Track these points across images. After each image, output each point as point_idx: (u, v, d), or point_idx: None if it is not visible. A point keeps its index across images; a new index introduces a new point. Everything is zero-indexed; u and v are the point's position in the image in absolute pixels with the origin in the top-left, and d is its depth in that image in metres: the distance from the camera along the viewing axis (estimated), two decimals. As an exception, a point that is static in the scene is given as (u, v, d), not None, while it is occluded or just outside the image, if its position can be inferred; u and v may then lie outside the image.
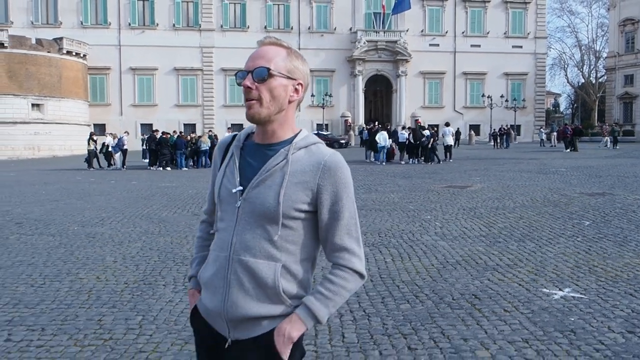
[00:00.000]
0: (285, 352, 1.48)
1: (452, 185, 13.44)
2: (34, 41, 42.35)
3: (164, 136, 23.53)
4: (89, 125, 46.08)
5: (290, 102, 1.55)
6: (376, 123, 25.98)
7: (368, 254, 6.27)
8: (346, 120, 49.36)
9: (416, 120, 46.58)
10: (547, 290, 4.78)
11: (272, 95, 1.51)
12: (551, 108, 74.34)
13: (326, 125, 47.65)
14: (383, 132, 22.97)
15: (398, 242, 6.94)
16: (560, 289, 4.81)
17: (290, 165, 1.50)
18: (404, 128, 25.66)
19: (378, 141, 21.98)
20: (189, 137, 24.89)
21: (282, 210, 1.47)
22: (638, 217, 8.37)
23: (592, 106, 61.08)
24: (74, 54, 44.21)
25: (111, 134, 26.45)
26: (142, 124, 47.28)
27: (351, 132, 45.64)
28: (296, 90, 1.55)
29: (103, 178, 18.43)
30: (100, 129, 47.48)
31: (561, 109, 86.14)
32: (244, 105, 1.57)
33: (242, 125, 47.08)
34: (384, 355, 3.48)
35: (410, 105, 50.05)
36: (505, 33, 50.83)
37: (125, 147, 24.48)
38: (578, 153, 27.03)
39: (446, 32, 50.57)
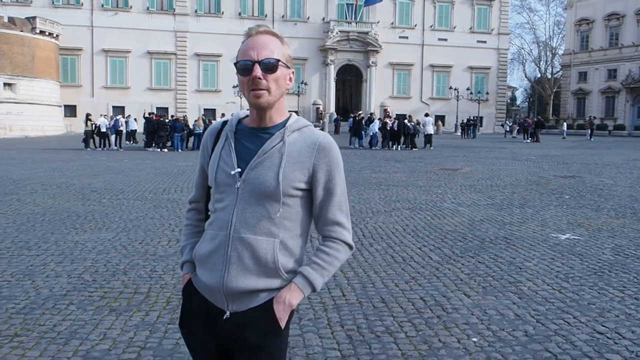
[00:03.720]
0: (284, 318, 1.59)
1: (444, 168, 15.47)
2: (6, 19, 41.84)
3: (160, 119, 24.73)
4: (60, 106, 46.05)
5: (286, 89, 1.65)
6: (360, 112, 27.86)
7: (412, 215, 8.13)
8: (318, 108, 51.03)
9: (385, 110, 48.80)
10: (555, 235, 6.76)
11: (277, 84, 1.59)
12: (508, 101, 78.17)
13: (296, 112, 49.05)
14: (376, 120, 25.09)
15: (427, 207, 8.83)
16: (563, 234, 6.80)
17: (287, 147, 1.59)
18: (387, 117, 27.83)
19: (370, 129, 24.14)
20: (181, 120, 26.06)
21: (282, 189, 1.56)
22: (605, 193, 10.56)
23: (548, 100, 64.92)
24: (47, 33, 43.89)
25: (105, 115, 27.30)
26: (113, 107, 47.36)
27: (325, 120, 47.40)
28: (290, 78, 1.65)
29: (112, 157, 19.57)
30: (70, 110, 47.58)
31: (517, 103, 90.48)
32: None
33: (214, 110, 47.95)
34: (472, 263, 5.33)
35: (379, 94, 52.21)
36: (470, 28, 53.56)
37: (120, 128, 25.55)
38: (540, 144, 29.72)
39: (415, 26, 52.86)
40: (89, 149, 24.28)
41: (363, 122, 25.65)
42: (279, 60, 1.58)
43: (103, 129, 25.02)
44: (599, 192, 10.68)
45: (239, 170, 1.60)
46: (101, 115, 28.32)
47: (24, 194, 9.87)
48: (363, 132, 25.18)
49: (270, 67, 1.57)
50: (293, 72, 1.67)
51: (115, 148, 25.01)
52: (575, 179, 12.81)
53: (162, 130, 24.06)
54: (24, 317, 3.94)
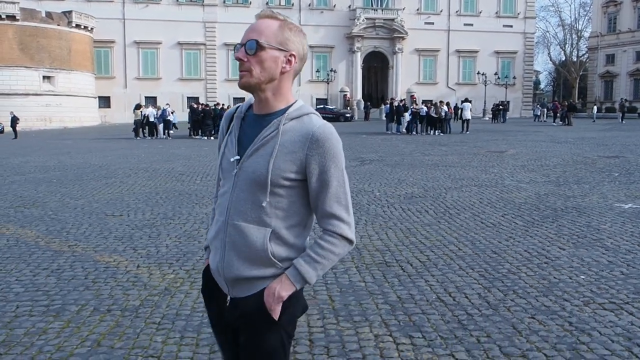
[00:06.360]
0: (276, 310, 1.59)
1: (490, 150, 16.32)
2: (44, 14, 43.26)
3: (206, 108, 25.95)
4: (95, 98, 47.58)
5: (282, 72, 1.60)
6: (394, 98, 28.77)
7: (481, 190, 9.06)
8: (345, 95, 51.85)
9: (411, 96, 49.45)
10: (618, 205, 7.66)
11: (262, 67, 1.57)
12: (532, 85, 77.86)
13: (324, 100, 50.01)
14: (410, 109, 26.10)
15: (491, 184, 9.75)
16: (625, 204, 7.69)
17: (280, 136, 1.56)
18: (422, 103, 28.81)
19: (406, 116, 25.07)
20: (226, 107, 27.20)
21: (270, 178, 1.55)
22: (651, 170, 11.36)
23: (573, 84, 64.68)
24: (82, 27, 45.28)
25: (152, 105, 28.57)
26: (146, 97, 48.63)
27: (354, 107, 48.20)
28: (289, 61, 1.60)
29: (168, 145, 20.77)
30: (104, 101, 49.04)
31: (541, 86, 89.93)
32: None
33: (244, 98, 48.76)
34: (554, 226, 6.26)
35: (405, 81, 52.75)
36: (496, 12, 53.70)
37: (168, 118, 26.79)
38: (572, 127, 30.22)
39: (441, 11, 53.18)
40: (138, 138, 25.56)
41: (400, 108, 26.47)
42: (257, 42, 1.56)
43: (151, 119, 26.28)
44: (645, 169, 11.48)
45: (238, 157, 1.63)
46: (149, 105, 29.61)
47: (122, 177, 11.02)
48: (402, 117, 26.04)
49: (249, 48, 1.57)
50: (292, 55, 1.61)
51: (164, 137, 26.25)
52: (620, 158, 13.58)
53: (208, 118, 25.23)
54: (215, 265, 4.99)
